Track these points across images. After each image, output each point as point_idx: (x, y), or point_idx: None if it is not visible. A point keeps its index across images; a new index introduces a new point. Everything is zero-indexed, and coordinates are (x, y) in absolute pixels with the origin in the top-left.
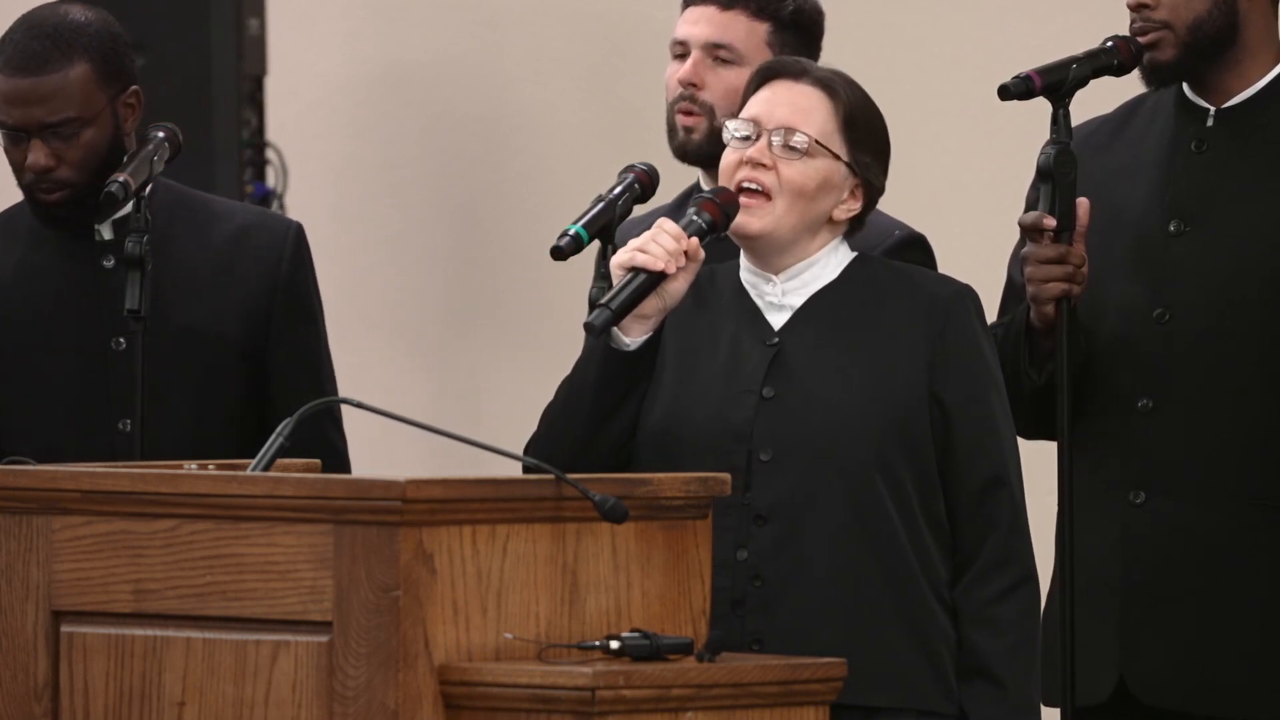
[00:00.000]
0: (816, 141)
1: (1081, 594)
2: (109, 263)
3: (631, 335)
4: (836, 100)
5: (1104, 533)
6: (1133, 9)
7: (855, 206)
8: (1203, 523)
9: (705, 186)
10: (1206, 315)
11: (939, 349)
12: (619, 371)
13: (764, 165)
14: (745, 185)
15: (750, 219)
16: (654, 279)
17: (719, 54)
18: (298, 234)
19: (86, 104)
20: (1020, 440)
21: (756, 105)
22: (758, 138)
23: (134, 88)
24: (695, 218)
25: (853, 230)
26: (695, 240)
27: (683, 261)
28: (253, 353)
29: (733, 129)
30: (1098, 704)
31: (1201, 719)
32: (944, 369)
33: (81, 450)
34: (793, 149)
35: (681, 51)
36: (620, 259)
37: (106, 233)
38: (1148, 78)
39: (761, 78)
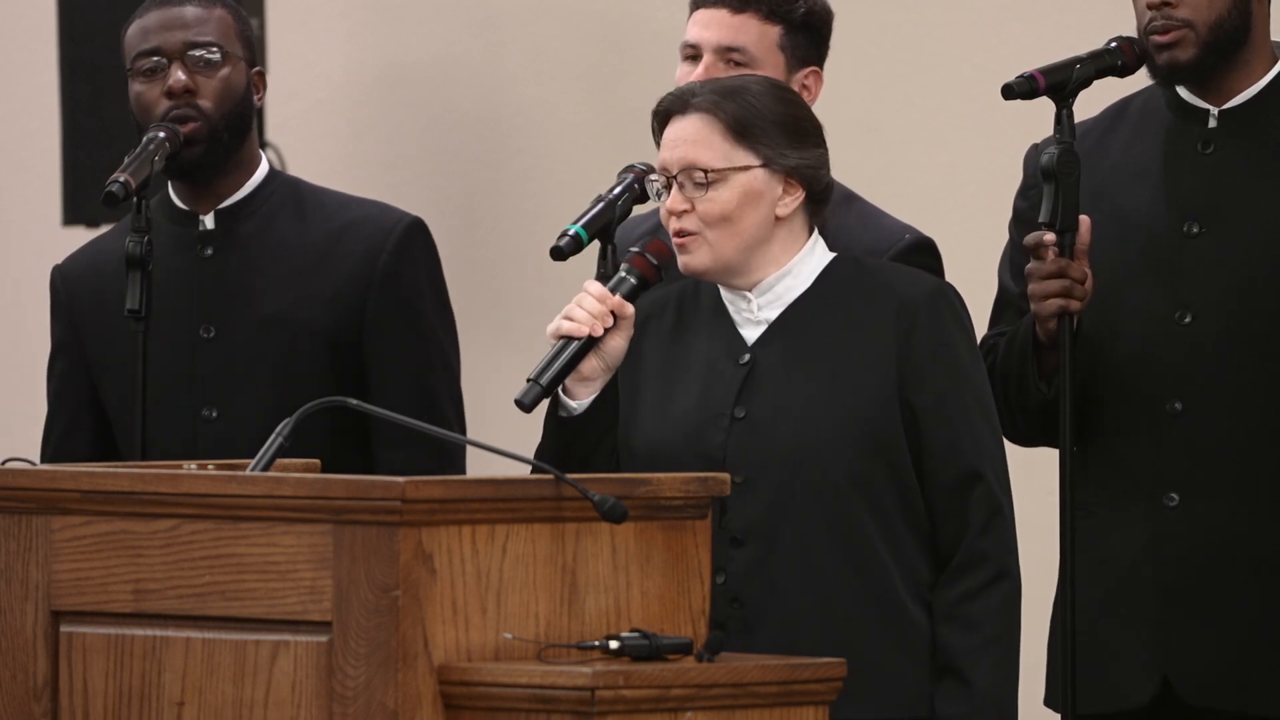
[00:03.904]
0: (716, 169)
1: (1112, 598)
2: (208, 252)
3: (578, 399)
4: (718, 115)
5: (1133, 537)
6: (1153, 7)
7: (798, 194)
8: (1239, 522)
9: None
10: (1229, 315)
11: (907, 353)
12: (574, 437)
13: (685, 211)
14: (676, 236)
15: (690, 258)
16: (584, 345)
17: (732, 57)
18: (408, 228)
19: (227, 40)
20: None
21: (661, 153)
22: (669, 187)
23: (259, 69)
24: (625, 275)
25: (818, 210)
26: (619, 299)
27: (610, 321)
28: (346, 343)
29: (653, 185)
30: (1136, 708)
31: (1252, 719)
32: (912, 373)
33: (166, 437)
34: (700, 186)
35: (692, 54)
36: (550, 327)
37: (209, 222)
38: (1164, 77)
39: (658, 122)
